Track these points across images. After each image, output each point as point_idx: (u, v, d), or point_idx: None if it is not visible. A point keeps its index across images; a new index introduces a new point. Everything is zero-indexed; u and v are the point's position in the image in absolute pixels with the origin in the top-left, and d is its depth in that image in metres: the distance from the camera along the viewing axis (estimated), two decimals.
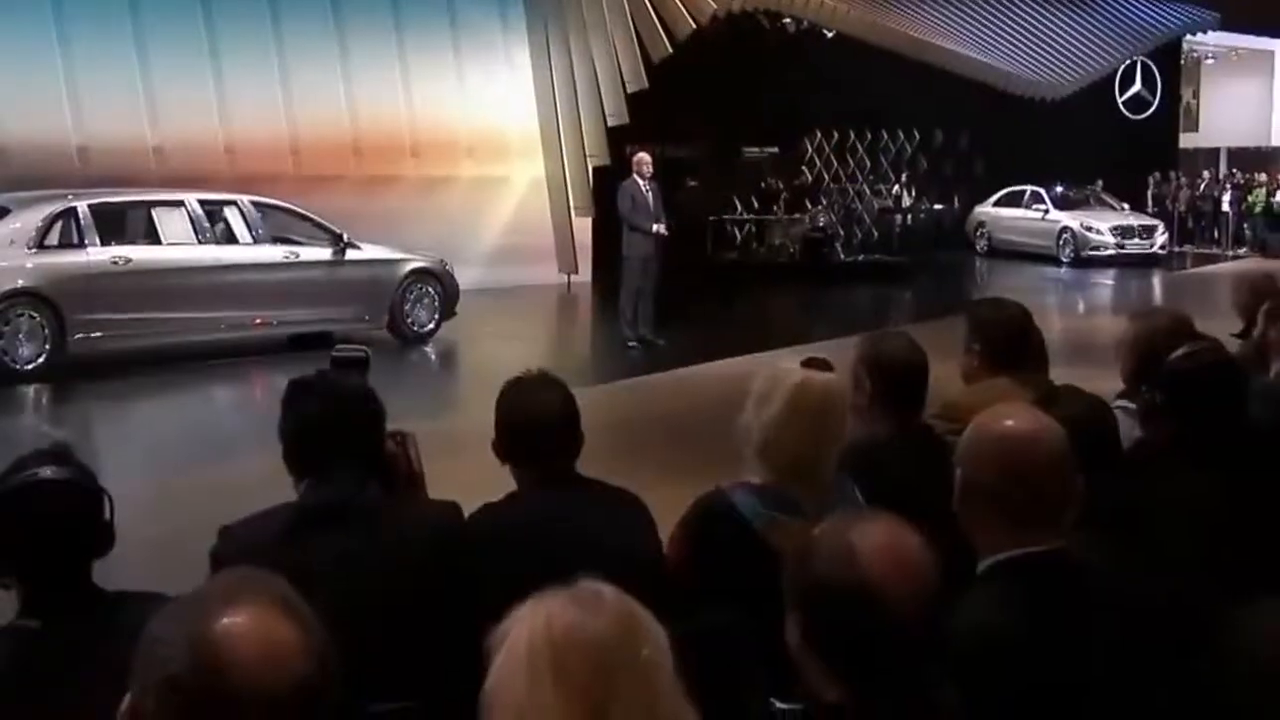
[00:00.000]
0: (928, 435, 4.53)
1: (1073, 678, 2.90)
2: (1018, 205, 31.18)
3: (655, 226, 16.57)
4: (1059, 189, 30.87)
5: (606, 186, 21.06)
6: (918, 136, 33.85)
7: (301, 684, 1.72)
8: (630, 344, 16.46)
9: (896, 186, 33.44)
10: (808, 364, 3.87)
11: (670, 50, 22.93)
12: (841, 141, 32.74)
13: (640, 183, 16.64)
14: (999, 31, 30.11)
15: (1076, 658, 2.92)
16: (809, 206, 30.07)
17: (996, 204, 31.82)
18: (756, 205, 30.36)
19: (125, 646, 1.84)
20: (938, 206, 34.24)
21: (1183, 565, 3.70)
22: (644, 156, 17.06)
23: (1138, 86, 36.12)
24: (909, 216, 33.50)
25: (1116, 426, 4.71)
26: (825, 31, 27.27)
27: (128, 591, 3.05)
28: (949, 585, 2.50)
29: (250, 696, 1.69)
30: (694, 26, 23.25)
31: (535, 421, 3.87)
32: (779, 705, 2.50)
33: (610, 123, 23.06)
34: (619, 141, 22.96)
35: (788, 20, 27.26)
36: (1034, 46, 30.56)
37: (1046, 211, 30.50)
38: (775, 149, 31.71)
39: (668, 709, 1.96)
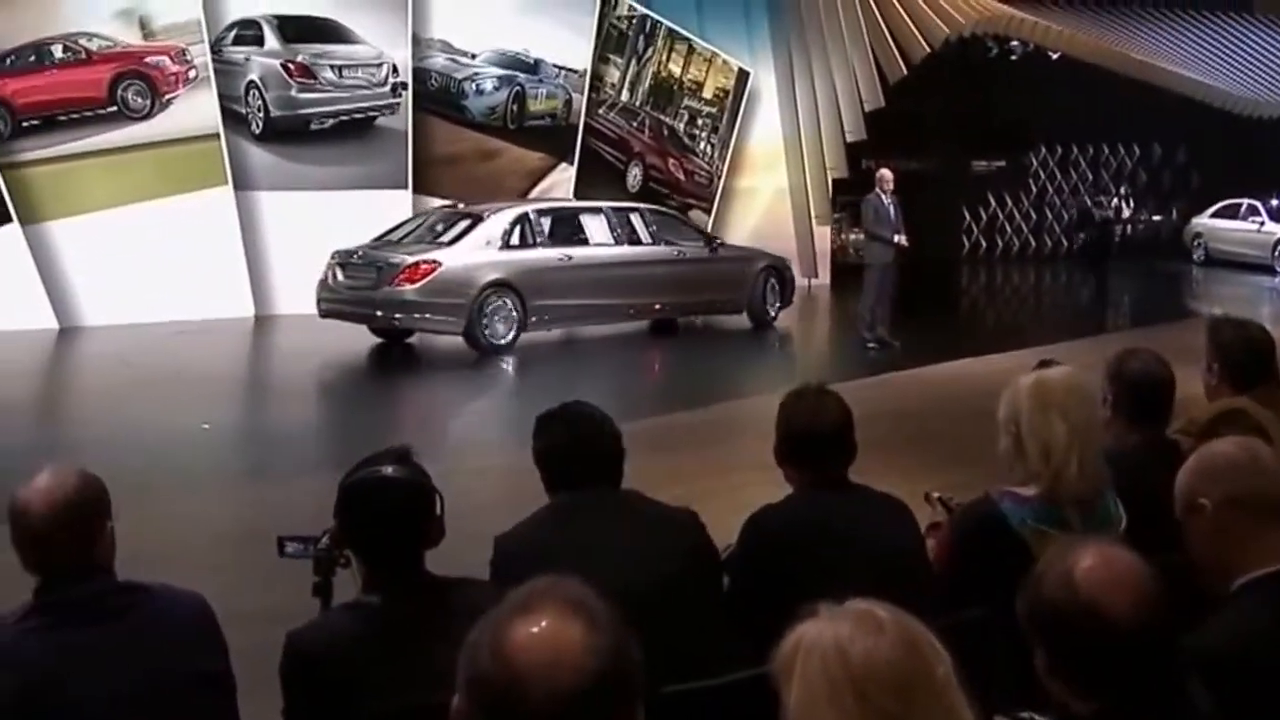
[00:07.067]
0: (1173, 448, 4.27)
1: None
2: (1234, 217, 29.90)
3: (896, 237, 16.40)
4: (1275, 202, 29.63)
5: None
6: (1137, 151, 33.00)
7: (590, 679, 1.76)
8: (869, 345, 16.30)
9: (1116, 198, 32.68)
10: (1040, 366, 3.92)
11: (905, 71, 22.79)
12: (1064, 155, 32.08)
13: (883, 196, 16.49)
14: (1217, 51, 29.03)
15: None
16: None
17: (1213, 215, 30.65)
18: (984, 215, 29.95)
19: (455, 623, 1.97)
20: (1156, 217, 33.36)
21: None
22: (886, 173, 16.86)
23: None
24: (1128, 227, 32.73)
25: None
26: (1050, 54, 26.71)
27: (455, 577, 3.20)
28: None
29: (542, 694, 1.75)
30: (928, 50, 23.05)
31: (814, 430, 3.91)
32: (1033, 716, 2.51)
33: (848, 139, 23.01)
34: (856, 156, 22.88)
35: (1014, 43, 26.79)
36: (1252, 65, 29.38)
37: (1263, 223, 29.26)
38: (1002, 162, 31.22)
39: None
